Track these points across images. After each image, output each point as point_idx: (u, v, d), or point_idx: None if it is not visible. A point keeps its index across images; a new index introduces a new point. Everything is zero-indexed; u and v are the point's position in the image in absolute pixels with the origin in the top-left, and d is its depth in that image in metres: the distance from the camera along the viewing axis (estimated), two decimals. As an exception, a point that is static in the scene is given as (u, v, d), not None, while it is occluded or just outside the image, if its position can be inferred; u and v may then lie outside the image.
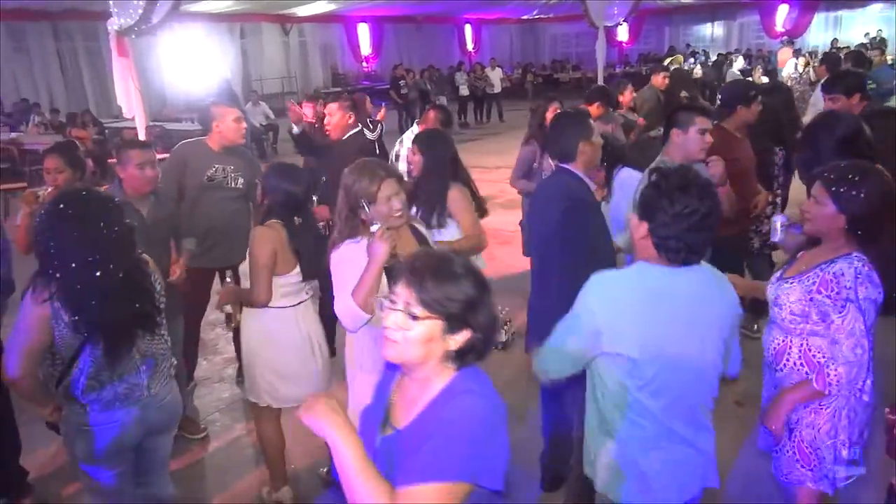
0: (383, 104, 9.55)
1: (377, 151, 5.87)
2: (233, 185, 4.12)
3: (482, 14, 24.91)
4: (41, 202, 3.40)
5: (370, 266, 2.48)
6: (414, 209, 3.35)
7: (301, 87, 20.59)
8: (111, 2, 5.47)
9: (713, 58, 20.97)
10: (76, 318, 2.30)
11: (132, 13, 5.37)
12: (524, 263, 5.17)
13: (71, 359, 2.37)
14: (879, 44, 16.79)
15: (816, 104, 6.18)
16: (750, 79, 12.51)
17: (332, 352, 4.76)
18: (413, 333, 1.50)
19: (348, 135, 4.54)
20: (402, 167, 4.79)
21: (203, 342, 4.63)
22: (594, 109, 5.51)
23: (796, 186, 4.47)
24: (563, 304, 2.10)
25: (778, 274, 2.45)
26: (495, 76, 18.63)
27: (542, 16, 24.67)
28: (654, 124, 6.06)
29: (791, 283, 2.30)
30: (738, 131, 4.10)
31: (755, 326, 4.46)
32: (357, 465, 1.45)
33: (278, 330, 3.11)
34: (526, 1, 20.41)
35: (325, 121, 4.84)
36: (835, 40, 20.85)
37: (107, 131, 12.33)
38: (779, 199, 4.57)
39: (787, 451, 2.35)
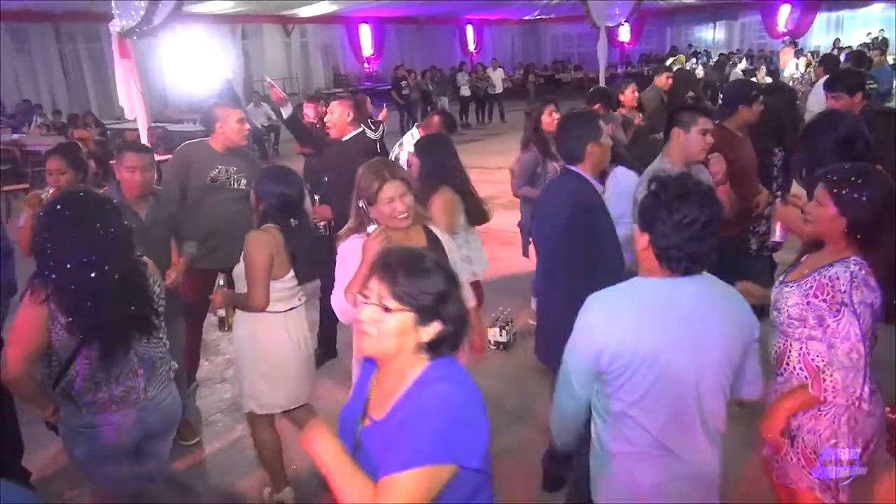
0: (384, 105, 9.57)
1: (379, 151, 5.88)
2: (236, 186, 4.13)
3: (484, 15, 24.91)
4: (44, 204, 3.41)
5: (361, 264, 2.52)
6: None
7: (303, 88, 20.58)
8: (113, 3, 5.49)
9: (715, 58, 20.95)
10: (70, 319, 2.30)
11: (134, 14, 5.38)
12: (525, 264, 5.19)
13: (67, 360, 2.37)
14: (881, 44, 16.77)
15: (812, 105, 6.18)
16: (753, 79, 12.51)
17: (334, 353, 4.80)
18: (386, 326, 1.57)
19: (350, 136, 4.53)
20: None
21: (205, 343, 4.64)
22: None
23: (795, 187, 4.46)
24: (569, 309, 2.09)
25: (781, 277, 2.44)
26: (497, 77, 18.65)
27: (543, 16, 24.67)
28: (658, 126, 6.03)
29: (791, 287, 2.29)
30: (740, 131, 4.10)
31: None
32: (342, 472, 1.53)
33: (267, 335, 3.10)
34: (528, 1, 20.42)
35: (326, 119, 4.85)
36: (837, 40, 20.81)
37: (109, 132, 12.35)
38: (778, 201, 4.56)
39: (791, 458, 2.33)
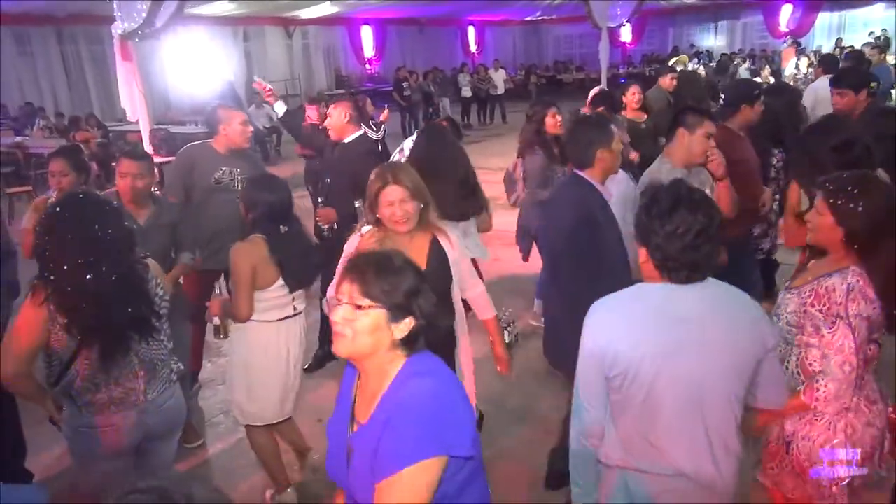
0: (385, 106, 9.59)
1: (380, 151, 5.89)
2: (239, 187, 4.12)
3: (485, 16, 24.93)
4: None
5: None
6: None
7: (304, 90, 20.61)
8: (115, 5, 5.50)
9: (717, 58, 20.93)
10: (68, 320, 2.30)
11: (136, 17, 5.41)
12: (527, 265, 5.18)
13: (68, 361, 2.38)
14: (883, 43, 16.74)
15: (806, 102, 6.15)
16: (758, 79, 12.49)
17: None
18: (360, 324, 1.60)
19: (352, 137, 4.53)
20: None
21: (207, 344, 4.64)
22: None
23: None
24: (572, 315, 2.09)
25: (787, 283, 2.44)
26: (498, 77, 18.66)
27: (545, 17, 24.68)
28: (663, 127, 5.97)
29: (792, 293, 2.28)
30: (741, 131, 4.10)
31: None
32: None
33: (257, 345, 3.09)
34: (529, 2, 20.42)
35: (325, 123, 4.87)
36: (839, 40, 20.79)
37: (111, 135, 12.37)
38: (776, 204, 4.55)
39: (787, 466, 2.32)
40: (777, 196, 4.48)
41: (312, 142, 5.58)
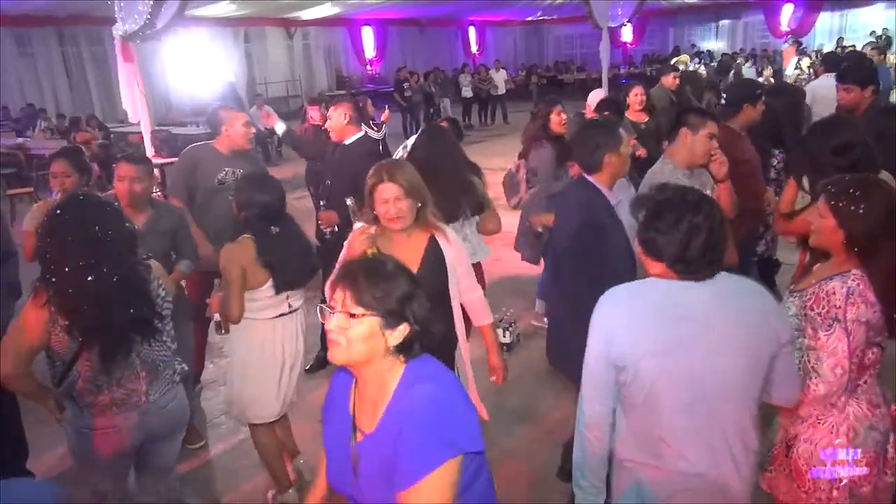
0: (386, 107, 9.59)
1: (381, 150, 5.89)
2: (240, 188, 4.14)
3: (486, 16, 24.93)
4: None
5: (341, 258, 2.56)
6: None
7: (305, 91, 20.63)
8: (116, 6, 5.51)
9: (718, 58, 20.91)
10: (69, 322, 2.31)
11: (137, 18, 5.41)
12: (528, 266, 5.17)
13: (70, 362, 2.38)
14: (884, 44, 16.72)
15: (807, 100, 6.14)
16: (760, 78, 12.48)
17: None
18: (354, 332, 1.59)
19: (353, 139, 4.53)
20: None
21: (209, 345, 4.65)
22: None
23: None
24: (576, 314, 2.09)
25: (792, 286, 2.44)
26: (499, 78, 18.64)
27: (546, 17, 24.68)
28: (667, 127, 5.93)
29: (795, 296, 2.29)
30: (742, 131, 4.09)
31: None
32: None
33: (255, 343, 3.09)
34: (530, 2, 20.42)
35: (326, 125, 4.87)
36: (840, 39, 20.77)
37: (112, 136, 12.37)
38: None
39: (784, 469, 2.32)
40: (777, 197, 4.47)
41: (315, 151, 5.58)
